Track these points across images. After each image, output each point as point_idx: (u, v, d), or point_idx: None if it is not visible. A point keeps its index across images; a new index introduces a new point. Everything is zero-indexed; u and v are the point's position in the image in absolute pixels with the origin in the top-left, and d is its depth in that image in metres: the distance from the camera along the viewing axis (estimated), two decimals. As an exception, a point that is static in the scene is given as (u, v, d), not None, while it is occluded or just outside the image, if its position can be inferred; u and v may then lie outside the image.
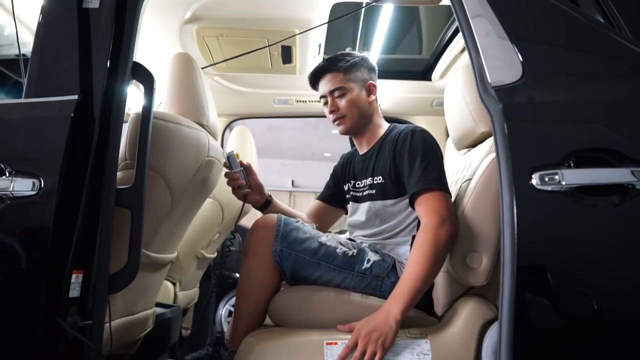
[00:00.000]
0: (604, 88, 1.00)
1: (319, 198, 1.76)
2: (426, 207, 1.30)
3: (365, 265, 1.35)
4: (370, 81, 1.57)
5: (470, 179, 1.38)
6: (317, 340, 1.19)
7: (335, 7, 1.84)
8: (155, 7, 1.72)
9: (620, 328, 0.94)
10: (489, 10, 1.02)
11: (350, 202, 1.61)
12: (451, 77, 2.24)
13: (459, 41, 2.13)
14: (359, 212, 1.55)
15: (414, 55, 2.74)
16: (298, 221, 1.39)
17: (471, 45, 1.02)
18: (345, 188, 1.66)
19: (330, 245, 1.35)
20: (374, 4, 1.88)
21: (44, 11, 1.13)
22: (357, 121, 1.54)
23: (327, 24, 1.93)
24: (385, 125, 1.59)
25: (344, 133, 1.57)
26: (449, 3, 1.10)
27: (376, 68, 1.62)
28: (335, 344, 1.17)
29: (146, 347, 1.58)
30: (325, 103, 1.57)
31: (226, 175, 1.50)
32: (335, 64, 1.54)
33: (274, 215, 1.36)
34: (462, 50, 2.13)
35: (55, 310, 0.97)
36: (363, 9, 2.03)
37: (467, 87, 1.51)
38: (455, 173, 1.61)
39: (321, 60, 1.93)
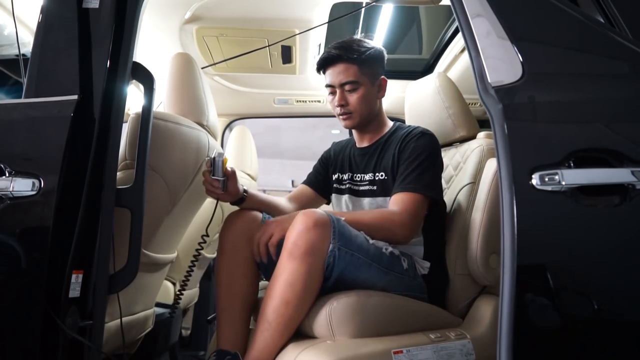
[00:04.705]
0: (604, 88, 1.00)
1: (307, 183, 1.66)
2: (403, 204, 1.32)
3: (405, 265, 1.32)
4: (383, 76, 1.49)
5: (472, 182, 1.43)
6: (384, 350, 1.11)
7: (335, 7, 1.84)
8: (155, 7, 1.72)
9: (620, 328, 0.94)
10: (489, 10, 1.02)
11: (347, 195, 1.56)
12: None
13: (459, 41, 2.13)
14: (360, 207, 1.51)
15: (414, 55, 2.74)
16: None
17: (471, 45, 1.01)
18: (335, 177, 1.61)
19: (374, 243, 1.28)
20: (374, 4, 1.88)
21: (44, 11, 1.13)
22: (365, 118, 1.48)
23: (327, 24, 1.93)
24: (389, 123, 1.57)
25: (349, 128, 1.52)
26: (449, 3, 1.10)
27: (385, 60, 1.53)
28: (401, 352, 1.12)
29: (146, 347, 1.58)
30: (332, 93, 1.47)
31: (205, 179, 1.32)
32: (350, 54, 1.42)
33: (320, 211, 1.20)
34: (462, 50, 2.13)
35: (55, 310, 0.97)
36: (363, 9, 2.02)
37: (445, 92, 1.60)
38: None
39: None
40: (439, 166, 1.43)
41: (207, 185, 1.33)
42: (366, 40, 1.48)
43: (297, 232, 1.15)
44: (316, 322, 1.17)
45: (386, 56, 1.52)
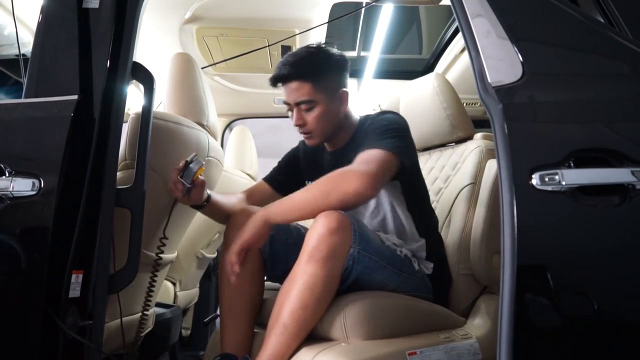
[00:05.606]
0: (604, 88, 0.99)
1: (268, 180, 1.55)
2: (361, 158, 1.17)
3: (416, 266, 1.31)
4: (344, 89, 1.36)
5: (472, 183, 1.43)
6: (398, 351, 1.11)
7: (335, 7, 1.84)
8: (155, 7, 1.72)
9: (620, 328, 0.94)
10: (489, 10, 1.02)
11: None
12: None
13: (459, 41, 2.13)
14: None
15: (414, 55, 2.74)
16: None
17: (471, 45, 1.01)
18: (308, 183, 1.51)
19: (389, 246, 1.25)
20: (374, 4, 1.88)
21: (44, 11, 1.13)
22: (327, 134, 1.38)
23: (327, 24, 1.93)
24: (356, 121, 1.44)
25: (313, 146, 1.43)
26: (449, 3, 1.10)
27: (348, 65, 1.39)
28: (415, 353, 1.11)
29: (146, 347, 1.58)
30: (290, 110, 1.36)
31: (171, 177, 1.24)
32: (302, 72, 1.30)
33: (340, 213, 1.13)
34: (462, 50, 2.13)
35: (55, 310, 0.97)
36: (363, 9, 2.03)
37: (443, 93, 1.60)
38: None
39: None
40: (412, 141, 1.32)
41: (171, 184, 1.24)
42: (321, 49, 1.36)
43: (319, 235, 1.10)
44: (330, 324, 1.14)
45: (349, 64, 1.39)
